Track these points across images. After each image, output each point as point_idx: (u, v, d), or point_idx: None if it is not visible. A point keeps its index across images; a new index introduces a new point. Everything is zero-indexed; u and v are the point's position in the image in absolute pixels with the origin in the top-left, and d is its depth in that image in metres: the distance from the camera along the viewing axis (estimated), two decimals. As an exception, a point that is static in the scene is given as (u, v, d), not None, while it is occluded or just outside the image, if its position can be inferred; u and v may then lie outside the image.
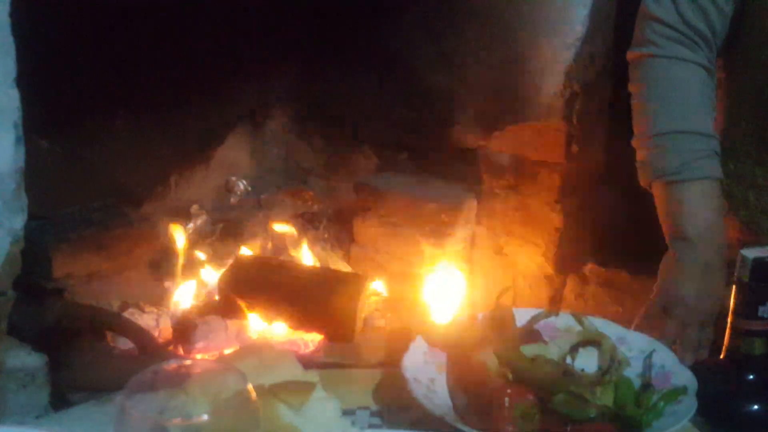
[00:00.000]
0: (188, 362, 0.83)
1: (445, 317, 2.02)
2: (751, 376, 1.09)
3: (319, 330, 1.85)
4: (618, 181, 1.89)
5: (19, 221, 1.06)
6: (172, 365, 0.83)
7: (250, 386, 0.79)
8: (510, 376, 1.00)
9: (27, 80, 1.06)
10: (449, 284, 2.13)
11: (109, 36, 1.87)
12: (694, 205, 1.37)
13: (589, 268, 2.04)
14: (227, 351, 1.82)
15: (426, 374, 1.05)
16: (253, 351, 1.03)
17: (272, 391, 0.91)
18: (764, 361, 1.09)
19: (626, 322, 1.39)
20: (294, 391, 0.92)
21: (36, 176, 1.10)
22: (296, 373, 0.98)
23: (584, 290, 2.05)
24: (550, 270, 2.08)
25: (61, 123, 1.87)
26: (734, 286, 1.09)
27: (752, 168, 1.43)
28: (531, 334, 1.08)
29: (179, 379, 0.82)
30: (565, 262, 2.07)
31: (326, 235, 2.33)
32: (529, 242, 2.09)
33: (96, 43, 1.85)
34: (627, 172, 1.51)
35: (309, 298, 1.86)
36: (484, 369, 1.00)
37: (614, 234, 2.00)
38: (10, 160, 1.03)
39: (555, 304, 2.07)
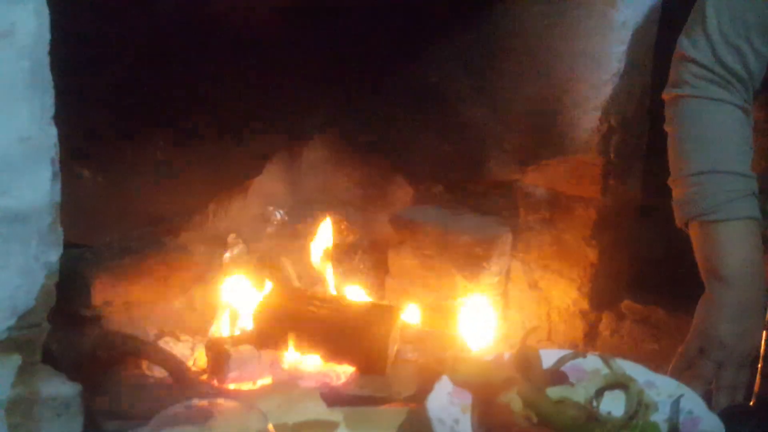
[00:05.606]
0: (213, 401, 0.84)
1: (472, 354, 2.00)
2: (781, 424, 1.07)
3: (351, 362, 1.84)
4: (655, 217, 1.88)
5: (54, 255, 1.07)
6: (196, 403, 0.84)
7: (270, 426, 0.80)
8: (534, 418, 0.99)
9: (69, 111, 1.07)
10: (483, 318, 2.12)
11: (150, 67, 1.90)
12: (731, 245, 1.36)
13: (625, 304, 2.02)
14: (260, 381, 1.82)
15: (450, 415, 1.05)
16: (278, 389, 1.04)
17: (295, 431, 0.91)
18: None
19: (663, 360, 1.37)
20: (316, 430, 0.93)
21: (77, 205, 1.12)
22: (320, 411, 0.99)
23: (620, 327, 2.03)
24: (585, 305, 2.06)
25: (103, 153, 1.91)
26: (765, 333, 1.07)
27: (791, 208, 1.41)
28: (557, 375, 1.07)
29: (203, 417, 0.83)
30: (601, 298, 2.05)
31: (361, 266, 2.33)
32: (565, 277, 2.08)
33: (137, 73, 1.89)
34: (664, 208, 1.49)
35: (341, 330, 1.86)
36: (508, 411, 0.99)
37: (651, 270, 1.99)
38: (47, 196, 1.04)
39: (590, 340, 2.05)
